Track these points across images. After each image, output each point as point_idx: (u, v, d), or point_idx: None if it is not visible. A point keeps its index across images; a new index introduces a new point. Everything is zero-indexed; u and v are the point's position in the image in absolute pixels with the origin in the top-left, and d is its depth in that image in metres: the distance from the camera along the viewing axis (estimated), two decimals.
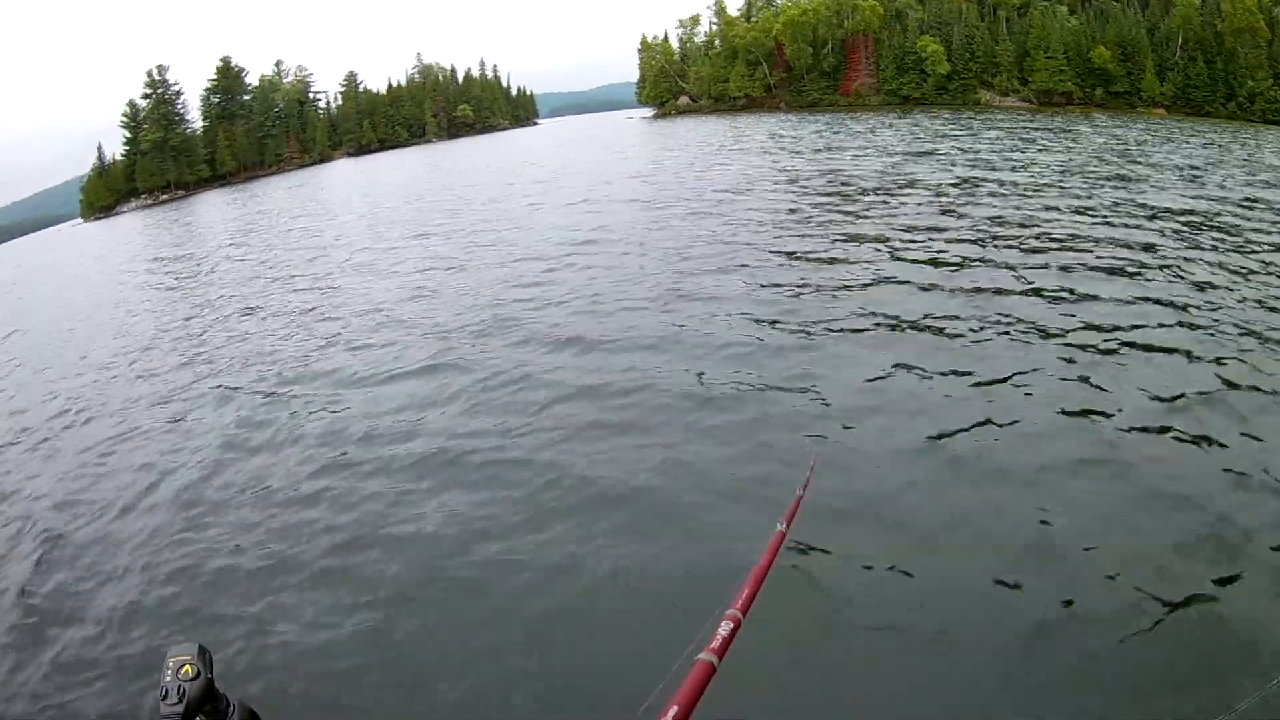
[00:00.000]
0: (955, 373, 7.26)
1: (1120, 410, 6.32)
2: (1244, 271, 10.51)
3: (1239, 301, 9.17)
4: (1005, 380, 7.05)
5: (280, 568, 5.28)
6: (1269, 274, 10.37)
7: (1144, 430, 6.04)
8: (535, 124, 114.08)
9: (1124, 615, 3.99)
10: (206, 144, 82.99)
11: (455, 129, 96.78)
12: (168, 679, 1.40)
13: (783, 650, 3.71)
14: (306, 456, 7.04)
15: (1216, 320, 8.43)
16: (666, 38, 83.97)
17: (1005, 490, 5.29)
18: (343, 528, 5.68)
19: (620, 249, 14.40)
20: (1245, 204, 15.99)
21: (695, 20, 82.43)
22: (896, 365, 7.52)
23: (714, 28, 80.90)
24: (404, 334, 10.59)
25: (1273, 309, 8.84)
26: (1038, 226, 13.84)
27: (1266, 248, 11.97)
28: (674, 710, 0.91)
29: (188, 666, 1.41)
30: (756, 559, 1.68)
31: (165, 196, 78.42)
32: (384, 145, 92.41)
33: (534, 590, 4.65)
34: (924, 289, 10.16)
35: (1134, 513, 4.91)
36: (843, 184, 20.77)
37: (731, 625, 1.30)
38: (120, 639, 4.81)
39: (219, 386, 9.68)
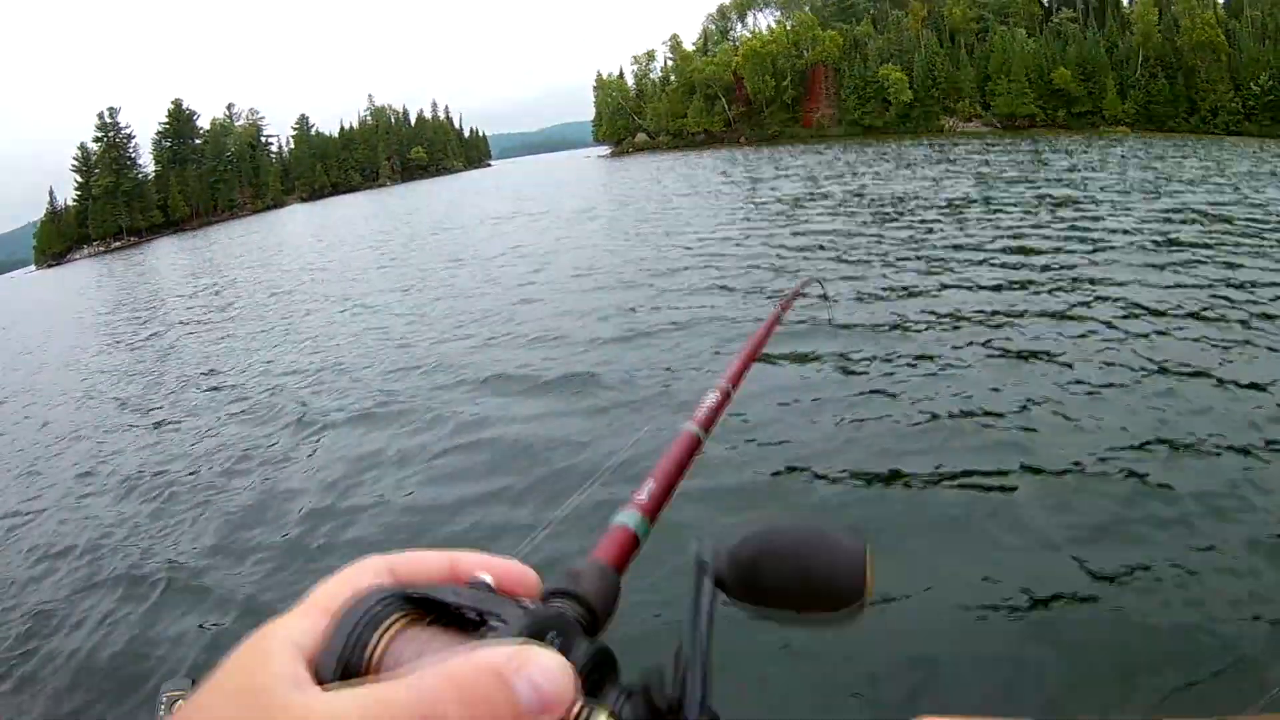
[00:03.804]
0: None
1: None
2: None
3: None
4: None
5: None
6: None
7: None
8: (489, 165, 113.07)
9: None
10: (159, 189, 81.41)
11: (409, 171, 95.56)
12: (161, 714, 1.42)
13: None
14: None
15: None
16: (621, 74, 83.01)
17: None
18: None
19: None
20: None
21: (650, 56, 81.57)
22: None
23: (669, 63, 79.74)
24: None
25: None
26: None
27: None
28: (650, 484, 0.76)
29: (181, 702, 1.42)
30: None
31: (118, 244, 76.64)
32: (336, 189, 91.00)
33: None
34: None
35: None
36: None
37: (718, 397, 1.09)
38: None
39: None
